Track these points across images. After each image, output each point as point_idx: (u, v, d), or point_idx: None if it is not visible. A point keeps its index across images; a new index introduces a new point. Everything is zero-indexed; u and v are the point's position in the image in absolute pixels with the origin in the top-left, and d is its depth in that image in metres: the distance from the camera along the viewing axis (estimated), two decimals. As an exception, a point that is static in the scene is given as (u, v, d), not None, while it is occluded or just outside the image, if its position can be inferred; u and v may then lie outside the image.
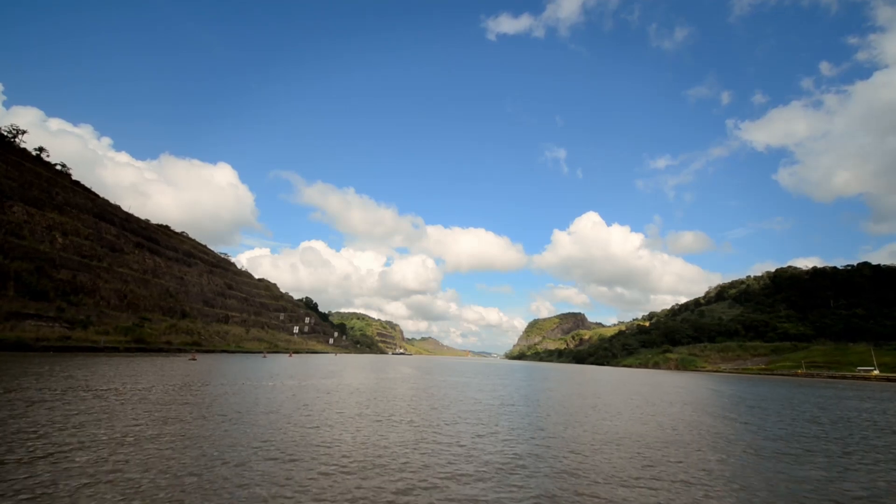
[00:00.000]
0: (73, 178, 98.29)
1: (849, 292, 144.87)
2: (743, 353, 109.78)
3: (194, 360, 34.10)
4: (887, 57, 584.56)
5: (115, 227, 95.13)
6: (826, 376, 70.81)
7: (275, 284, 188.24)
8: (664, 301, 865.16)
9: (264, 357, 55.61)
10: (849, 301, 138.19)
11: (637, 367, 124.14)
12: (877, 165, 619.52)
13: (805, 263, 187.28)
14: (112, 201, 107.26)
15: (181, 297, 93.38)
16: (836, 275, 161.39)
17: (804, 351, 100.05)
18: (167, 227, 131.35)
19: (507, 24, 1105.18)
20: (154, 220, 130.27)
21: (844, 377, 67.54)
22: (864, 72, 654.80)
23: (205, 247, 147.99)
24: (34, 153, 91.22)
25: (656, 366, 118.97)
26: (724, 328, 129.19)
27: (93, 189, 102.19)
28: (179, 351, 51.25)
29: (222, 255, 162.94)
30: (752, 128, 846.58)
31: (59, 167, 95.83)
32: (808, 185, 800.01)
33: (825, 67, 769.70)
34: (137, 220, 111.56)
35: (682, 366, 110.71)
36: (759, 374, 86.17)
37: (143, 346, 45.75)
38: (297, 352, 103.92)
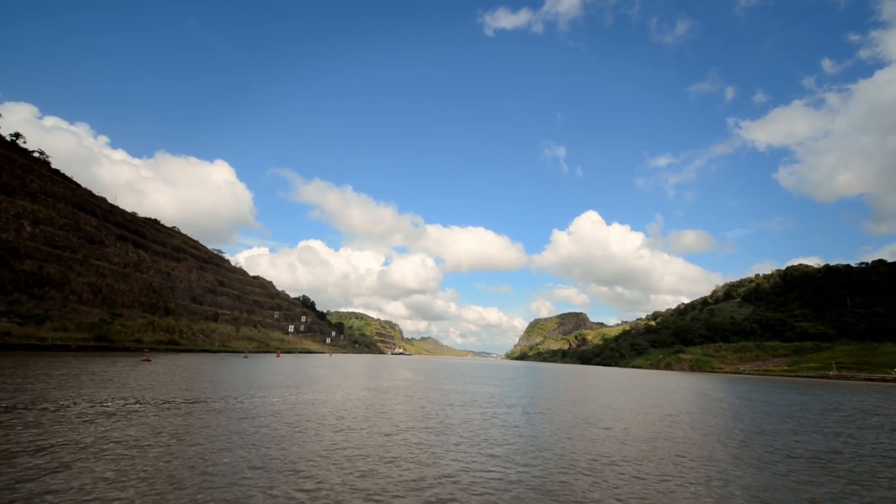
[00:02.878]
0: (53, 166, 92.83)
1: (865, 291, 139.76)
2: (762, 353, 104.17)
3: (147, 360, 28.38)
4: (891, 54, 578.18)
5: (97, 218, 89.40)
6: (862, 378, 65.20)
7: (270, 282, 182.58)
8: (664, 301, 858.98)
9: (245, 357, 49.85)
10: (866, 299, 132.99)
11: (648, 367, 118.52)
12: (878, 165, 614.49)
13: (805, 264, 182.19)
14: (106, 197, 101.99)
15: (166, 292, 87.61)
16: (850, 273, 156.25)
17: (827, 351, 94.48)
18: (156, 221, 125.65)
19: (505, 20, 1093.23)
20: (149, 217, 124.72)
21: (884, 379, 61.95)
22: (867, 69, 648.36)
23: (196, 242, 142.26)
24: (9, 139, 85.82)
25: (668, 366, 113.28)
26: (738, 327, 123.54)
27: (77, 180, 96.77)
28: (151, 350, 45.53)
29: (215, 252, 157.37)
30: (753, 127, 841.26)
31: (36, 154, 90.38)
32: (809, 184, 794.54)
33: (827, 65, 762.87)
34: (123, 212, 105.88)
35: (697, 367, 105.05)
36: (783, 375, 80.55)
37: (104, 344, 40.02)
38: (288, 351, 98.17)
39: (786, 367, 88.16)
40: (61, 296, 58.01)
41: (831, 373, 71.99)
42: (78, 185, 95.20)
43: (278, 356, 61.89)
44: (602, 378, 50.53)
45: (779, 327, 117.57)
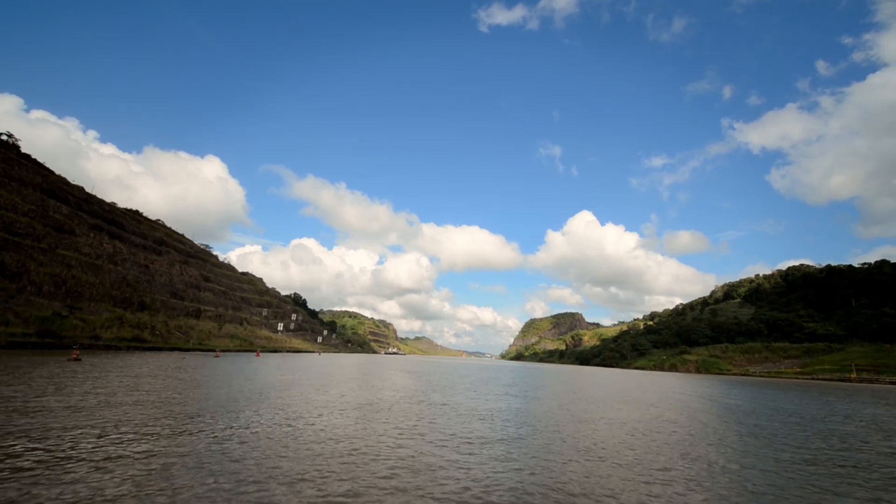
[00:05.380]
0: (24, 151, 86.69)
1: (870, 291, 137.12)
2: (771, 354, 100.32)
3: (76, 359, 23.03)
4: (884, 56, 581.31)
5: (69, 206, 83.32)
6: (888, 382, 61.14)
7: (260, 279, 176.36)
8: (658, 302, 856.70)
9: (216, 357, 44.50)
10: (872, 300, 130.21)
11: (651, 368, 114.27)
12: (870, 168, 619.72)
13: (806, 264, 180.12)
14: (84, 187, 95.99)
15: (143, 287, 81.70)
16: (853, 273, 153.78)
17: (840, 353, 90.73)
18: (137, 213, 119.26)
19: (500, 16, 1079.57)
20: (130, 208, 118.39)
21: (914, 383, 57.94)
22: (860, 72, 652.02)
23: (182, 235, 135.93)
24: (-27, 120, 79.73)
25: (673, 368, 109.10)
26: (744, 328, 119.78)
27: (66, 176, 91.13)
28: (109, 348, 40.08)
29: (202, 246, 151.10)
30: (747, 129, 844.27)
31: (4, 137, 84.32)
32: (802, 187, 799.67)
33: (822, 67, 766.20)
34: (100, 201, 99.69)
35: (704, 368, 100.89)
36: (797, 378, 76.50)
37: (49, 340, 34.54)
38: (274, 350, 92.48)
39: (798, 369, 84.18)
40: (16, 287, 52.15)
41: (852, 375, 67.91)
42: (50, 172, 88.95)
43: (258, 356, 56.57)
44: (627, 381, 45.76)
45: (787, 328, 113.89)
